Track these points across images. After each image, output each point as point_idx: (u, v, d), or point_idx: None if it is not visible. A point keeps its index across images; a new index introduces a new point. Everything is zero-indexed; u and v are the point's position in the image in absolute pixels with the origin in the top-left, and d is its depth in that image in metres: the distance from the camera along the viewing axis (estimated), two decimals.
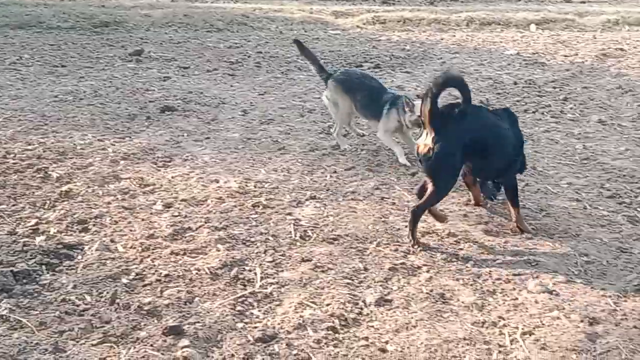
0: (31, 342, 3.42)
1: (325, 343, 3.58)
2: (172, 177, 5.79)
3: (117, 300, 3.88)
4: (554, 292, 4.10)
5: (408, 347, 3.55)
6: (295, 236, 4.78)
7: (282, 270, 4.33)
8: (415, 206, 4.74)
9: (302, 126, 7.45)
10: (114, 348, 3.47)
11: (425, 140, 4.62)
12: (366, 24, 14.39)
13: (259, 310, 3.90)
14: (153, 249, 4.52)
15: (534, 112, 8.03)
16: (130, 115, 7.61)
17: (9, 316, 3.63)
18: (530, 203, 5.42)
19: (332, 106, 6.87)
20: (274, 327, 3.71)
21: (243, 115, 7.79)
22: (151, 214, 5.10)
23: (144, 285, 4.10)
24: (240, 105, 8.15)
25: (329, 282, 4.17)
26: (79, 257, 4.41)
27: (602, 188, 5.78)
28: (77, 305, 3.81)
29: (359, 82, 6.84)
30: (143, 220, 4.98)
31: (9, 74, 9.31)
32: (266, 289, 4.11)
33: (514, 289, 4.17)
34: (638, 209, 5.39)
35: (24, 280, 4.00)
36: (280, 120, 7.63)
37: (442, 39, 13.04)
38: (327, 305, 3.92)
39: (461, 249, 4.65)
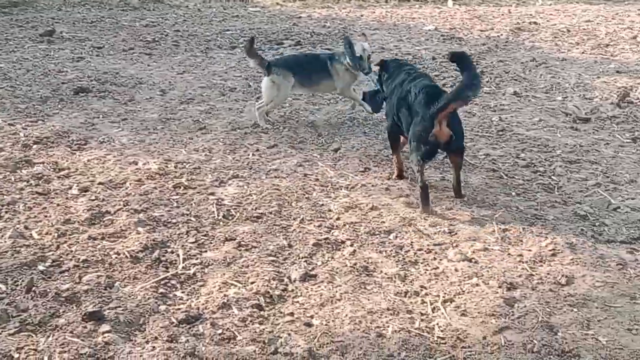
0: None
1: (251, 321, 3.56)
2: (88, 161, 5.61)
3: (34, 288, 3.73)
4: (472, 260, 4.21)
5: (333, 321, 3.57)
6: (218, 216, 4.72)
7: (206, 251, 4.28)
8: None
9: (223, 105, 7.35)
10: (32, 336, 3.34)
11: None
12: (286, 1, 14.30)
13: (182, 292, 3.84)
14: (70, 235, 4.37)
15: (451, 87, 8.17)
16: (43, 97, 7.32)
17: None
18: (449, 175, 5.53)
19: (271, 88, 6.76)
20: (198, 308, 3.66)
21: (162, 95, 7.62)
22: (67, 198, 4.92)
23: (62, 272, 3.96)
24: (159, 85, 7.97)
25: (253, 261, 4.14)
26: None
27: (518, 158, 5.96)
28: None
29: (295, 59, 7.22)
30: (58, 205, 4.80)
31: None
32: (189, 270, 4.05)
33: (435, 258, 4.26)
34: (552, 177, 5.58)
35: None
36: (201, 100, 7.50)
37: (362, 16, 13.11)
38: (252, 283, 3.90)
39: (383, 222, 4.71)
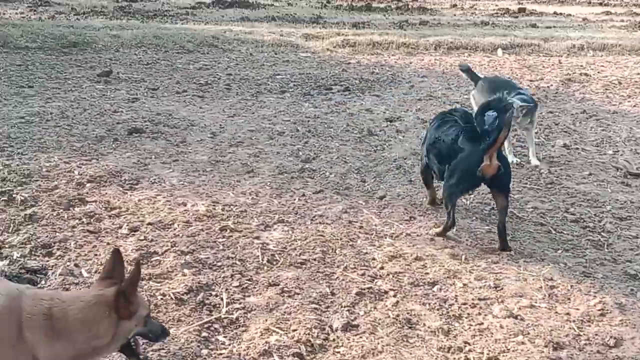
0: None
1: None
2: (139, 200, 5.74)
3: None
4: (518, 317, 4.14)
5: None
6: (263, 260, 4.76)
7: (249, 295, 4.31)
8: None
9: (271, 149, 7.45)
10: None
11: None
12: (336, 47, 14.54)
13: (225, 337, 3.87)
14: None
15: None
16: (98, 137, 7.54)
17: None
18: (496, 227, 5.47)
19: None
20: (239, 354, 3.68)
21: (212, 137, 7.78)
22: (117, 237, 5.04)
23: None
24: (209, 128, 8.14)
25: (295, 307, 4.15)
26: (43, 282, 4.34)
27: (567, 212, 5.87)
28: None
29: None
30: (108, 244, 4.91)
31: None
32: (232, 314, 4.08)
33: (480, 313, 4.20)
34: (602, 233, 5.48)
35: None
36: (250, 143, 7.63)
37: (410, 63, 13.21)
38: (294, 330, 3.91)
39: (427, 273, 4.68)
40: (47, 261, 4.60)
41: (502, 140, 4.95)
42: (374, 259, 4.87)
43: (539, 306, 4.29)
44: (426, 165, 5.76)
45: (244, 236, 5.15)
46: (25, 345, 2.53)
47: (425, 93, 10.43)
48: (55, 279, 4.35)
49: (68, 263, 4.57)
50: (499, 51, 14.73)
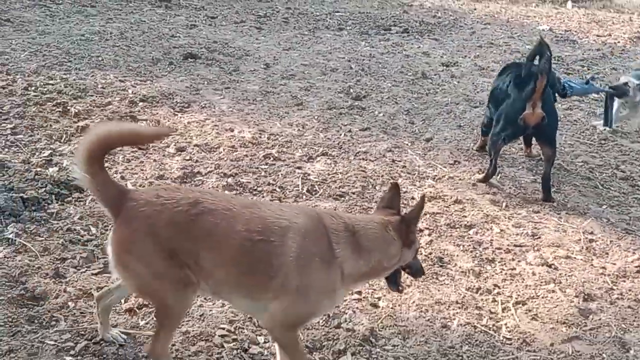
0: (33, 266, 3.52)
1: None
2: (188, 123, 5.84)
3: None
4: (552, 266, 4.11)
5: (399, 305, 3.60)
6: (302, 189, 4.81)
7: None
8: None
9: (322, 84, 7.43)
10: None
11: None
12: None
13: None
14: None
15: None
16: (154, 59, 7.64)
17: (15, 240, 3.73)
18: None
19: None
20: None
21: (265, 68, 7.79)
22: (164, 156, 5.15)
23: None
24: (264, 59, 8.15)
25: None
26: (88, 190, 4.48)
27: (617, 169, 5.72)
28: (82, 236, 3.89)
29: None
30: (155, 161, 5.04)
31: (39, 10, 9.37)
32: None
33: (513, 259, 4.18)
34: None
35: (33, 207, 4.08)
36: (302, 77, 7.61)
37: (474, 9, 12.85)
38: None
39: (465, 216, 4.66)
40: None
41: (541, 87, 4.78)
42: (413, 198, 4.86)
43: (575, 258, 4.25)
44: (489, 117, 5.50)
45: (287, 165, 5.20)
46: (337, 260, 2.66)
47: (486, 40, 10.17)
48: None
49: (115, 175, 4.69)
50: (569, 3, 14.18)
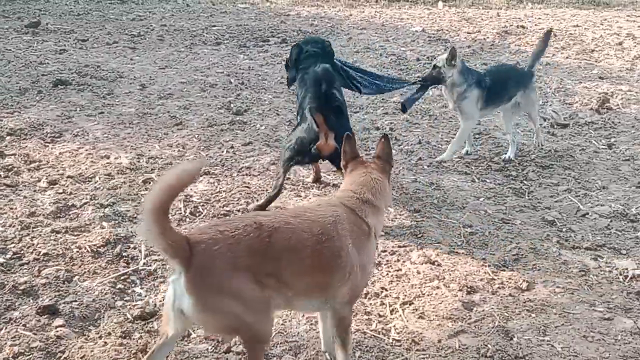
0: None
1: None
2: (60, 154, 5.58)
3: None
4: (435, 263, 4.21)
5: (289, 321, 3.56)
6: (185, 212, 4.70)
7: None
8: None
9: (202, 101, 7.32)
10: None
11: None
12: None
13: (142, 288, 3.83)
14: (33, 227, 4.35)
15: (433, 88, 8.17)
16: (21, 89, 7.28)
17: None
18: (421, 177, 5.53)
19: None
20: (155, 305, 3.64)
21: (141, 89, 7.59)
22: (35, 191, 4.90)
23: (21, 265, 3.94)
24: (139, 79, 7.94)
25: None
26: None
27: (492, 162, 5.96)
28: None
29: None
30: (25, 197, 4.78)
31: None
32: (150, 266, 4.03)
33: (398, 260, 4.25)
34: (524, 181, 5.59)
35: None
36: (180, 95, 7.47)
37: (350, 15, 13.09)
38: None
39: None
40: None
41: (322, 124, 4.57)
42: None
43: (457, 252, 4.37)
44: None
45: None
46: (371, 230, 3.10)
47: (362, 45, 10.37)
48: None
49: None
50: (440, 3, 14.72)
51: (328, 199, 3.55)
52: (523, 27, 12.22)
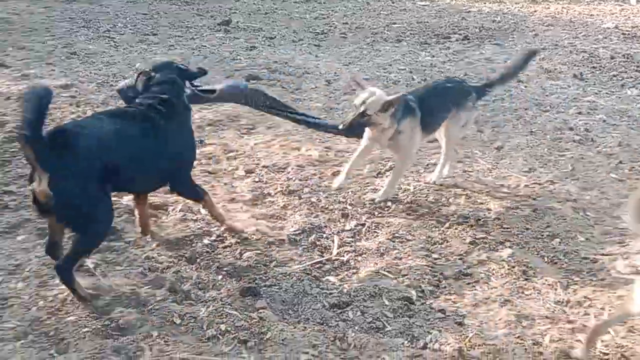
0: (115, 296, 3.54)
1: (400, 313, 3.53)
2: (255, 144, 5.84)
3: (198, 260, 3.96)
4: None
5: (487, 322, 3.46)
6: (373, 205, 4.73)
7: (360, 239, 4.30)
8: None
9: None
10: (194, 305, 3.53)
11: None
12: None
13: (335, 277, 3.89)
14: (234, 213, 4.58)
15: (631, 88, 7.63)
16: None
17: (95, 269, 3.76)
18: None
19: None
20: (349, 294, 3.69)
21: (327, 85, 7.76)
22: (233, 178, 5.17)
23: (224, 247, 4.16)
24: (325, 76, 8.12)
25: (406, 253, 4.11)
26: (164, 217, 4.52)
27: None
28: (160, 263, 3.90)
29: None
30: (225, 184, 5.05)
31: (103, 41, 9.62)
32: (343, 257, 4.09)
33: (602, 269, 3.99)
34: None
35: (111, 237, 4.10)
36: None
37: (535, 11, 12.56)
38: (404, 275, 3.87)
39: (549, 226, 4.47)
40: (168, 198, 4.75)
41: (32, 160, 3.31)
42: (489, 209, 4.71)
43: None
44: None
45: (355, 182, 5.13)
46: None
47: (550, 42, 9.89)
48: (176, 214, 4.52)
49: (187, 201, 4.70)
50: (632, 0, 13.70)
51: None
52: None
